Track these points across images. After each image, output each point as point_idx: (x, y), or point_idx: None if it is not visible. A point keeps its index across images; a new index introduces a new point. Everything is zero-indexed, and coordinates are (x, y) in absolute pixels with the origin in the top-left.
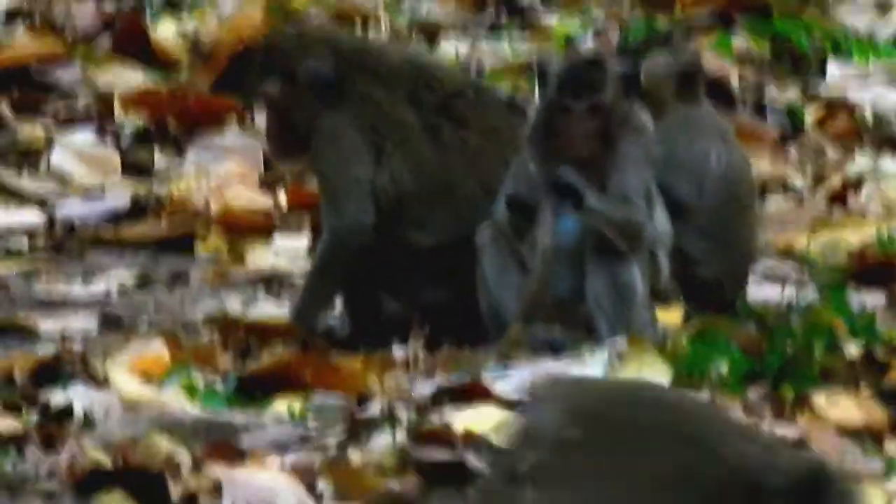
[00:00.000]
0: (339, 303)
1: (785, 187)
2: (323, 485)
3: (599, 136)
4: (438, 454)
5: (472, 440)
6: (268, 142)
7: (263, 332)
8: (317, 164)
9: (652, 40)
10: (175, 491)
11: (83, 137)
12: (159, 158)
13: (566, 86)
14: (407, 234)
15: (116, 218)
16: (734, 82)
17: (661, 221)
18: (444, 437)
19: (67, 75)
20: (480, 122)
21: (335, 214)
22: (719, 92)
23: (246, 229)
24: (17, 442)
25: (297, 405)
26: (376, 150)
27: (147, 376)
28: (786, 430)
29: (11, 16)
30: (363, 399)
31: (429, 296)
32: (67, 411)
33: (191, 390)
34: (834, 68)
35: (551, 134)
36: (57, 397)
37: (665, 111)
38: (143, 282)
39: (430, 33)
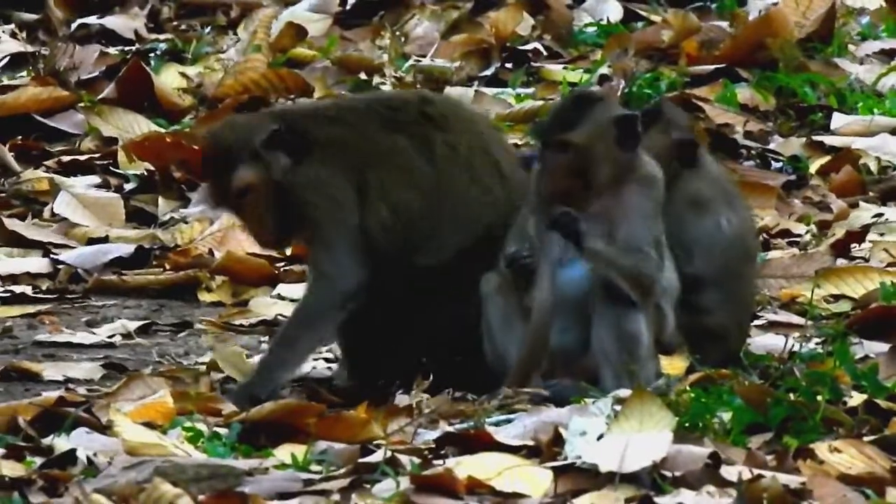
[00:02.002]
0: (339, 351)
1: (789, 238)
2: None
3: (576, 174)
4: (442, 501)
5: (476, 487)
6: (255, 234)
7: None
8: (306, 213)
9: (646, 116)
10: None
11: (87, 185)
12: (163, 206)
13: (545, 123)
14: (416, 257)
15: (120, 265)
16: (739, 133)
17: (668, 272)
18: (447, 483)
19: (71, 123)
20: (458, 119)
21: (328, 261)
22: (724, 143)
23: (249, 277)
24: (20, 486)
25: (300, 453)
26: (359, 189)
27: (151, 423)
28: (789, 480)
29: (16, 63)
30: (367, 446)
31: (434, 330)
32: (71, 457)
33: (194, 437)
34: (839, 120)
35: (541, 175)
36: (60, 443)
37: (669, 182)
38: (147, 328)
39: (436, 83)
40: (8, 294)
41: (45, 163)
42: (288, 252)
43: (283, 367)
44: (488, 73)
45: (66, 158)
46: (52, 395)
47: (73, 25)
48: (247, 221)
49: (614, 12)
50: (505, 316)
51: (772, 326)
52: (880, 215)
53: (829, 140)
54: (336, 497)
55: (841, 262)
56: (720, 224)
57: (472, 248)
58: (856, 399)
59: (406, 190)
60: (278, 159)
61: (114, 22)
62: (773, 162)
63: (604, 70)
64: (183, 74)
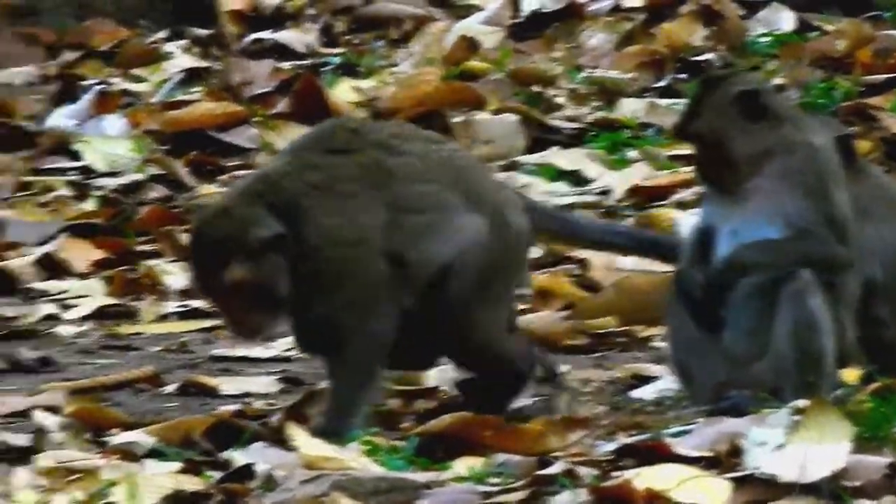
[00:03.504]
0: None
1: None
2: None
3: (717, 159)
4: None
5: (654, 499)
6: (236, 327)
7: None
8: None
9: None
10: None
11: None
12: None
13: (678, 118)
14: None
15: None
16: None
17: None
18: (626, 495)
19: (245, 137)
20: (417, 134)
21: (368, 316)
22: None
23: None
24: (198, 500)
25: (478, 465)
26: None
27: None
28: None
29: (190, 78)
30: (544, 458)
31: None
32: (248, 471)
33: (372, 450)
34: None
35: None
36: (238, 457)
37: None
38: None
39: (609, 94)
40: (184, 308)
41: (219, 177)
42: None
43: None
44: (662, 84)
45: (240, 173)
46: (228, 409)
47: (247, 40)
48: (230, 314)
49: (788, 22)
50: (683, 324)
51: None
52: None
53: None
54: None
55: None
56: (883, 235)
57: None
58: None
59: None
60: (277, 261)
61: (287, 36)
62: None
63: (778, 80)
64: (356, 88)
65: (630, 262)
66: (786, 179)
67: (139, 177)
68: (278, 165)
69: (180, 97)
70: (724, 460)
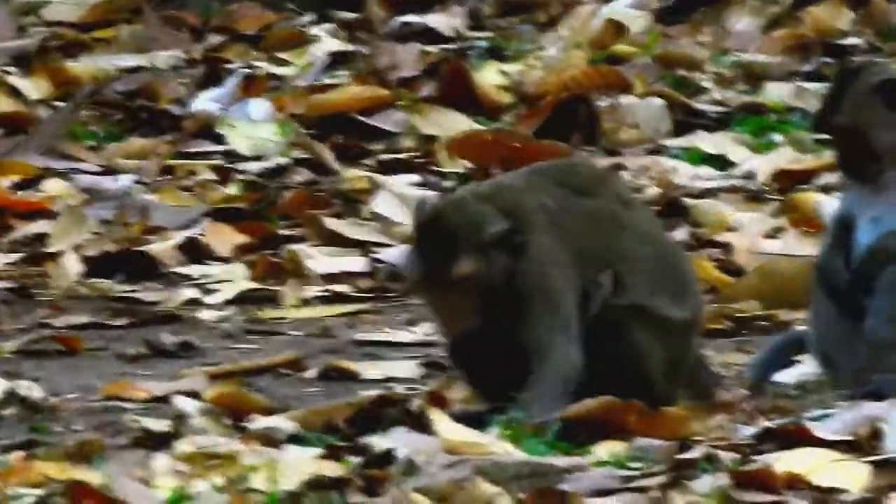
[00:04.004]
0: None
1: None
2: None
3: (859, 151)
4: (761, 497)
5: (795, 483)
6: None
7: None
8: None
9: None
10: None
11: (407, 183)
12: None
13: (818, 111)
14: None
15: None
16: None
17: None
18: (766, 479)
19: (391, 121)
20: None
21: (565, 341)
22: None
23: None
24: (340, 486)
25: (619, 450)
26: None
27: None
28: None
29: (337, 62)
30: (685, 443)
31: None
32: (389, 456)
33: (514, 435)
34: None
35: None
36: (379, 442)
37: None
38: None
39: (755, 78)
40: (328, 293)
41: (365, 161)
42: None
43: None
44: (809, 68)
45: (385, 157)
46: (370, 394)
47: (393, 24)
48: (445, 310)
49: None
50: (825, 310)
51: None
52: None
53: None
54: (655, 494)
55: None
56: None
57: None
58: None
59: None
60: (503, 261)
61: (434, 20)
62: None
63: None
64: (503, 72)
65: (773, 245)
66: None
67: (284, 161)
68: (514, 180)
69: (326, 81)
70: (864, 444)
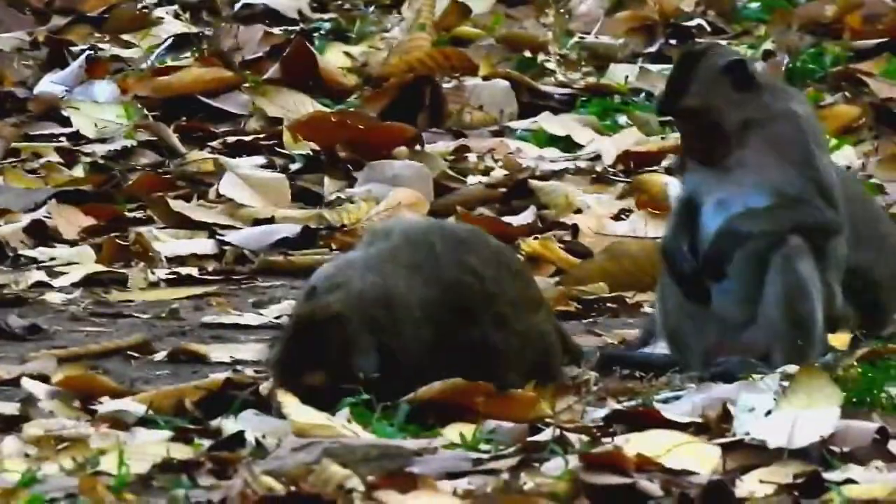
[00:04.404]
0: None
1: None
2: None
3: (707, 133)
4: (611, 478)
5: (645, 464)
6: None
7: None
8: None
9: None
10: None
11: (253, 165)
12: (329, 186)
13: (662, 94)
14: None
15: (287, 245)
16: None
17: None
18: (616, 461)
19: (236, 103)
20: None
21: None
22: (889, 117)
23: None
24: (189, 469)
25: (469, 432)
26: None
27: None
28: None
29: (180, 44)
30: (535, 425)
31: None
32: (239, 439)
33: (363, 417)
34: None
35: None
36: (228, 425)
37: None
38: None
39: (600, 60)
40: (174, 276)
41: (211, 144)
42: None
43: None
44: (653, 49)
45: (231, 139)
46: (219, 376)
47: (237, 6)
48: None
49: None
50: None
51: None
52: None
53: None
54: (505, 476)
55: None
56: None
57: None
58: None
59: None
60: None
61: (277, 2)
62: None
63: (768, 45)
64: (347, 54)
65: (620, 227)
66: (771, 148)
67: (129, 143)
68: None
69: (170, 63)
70: (713, 426)
